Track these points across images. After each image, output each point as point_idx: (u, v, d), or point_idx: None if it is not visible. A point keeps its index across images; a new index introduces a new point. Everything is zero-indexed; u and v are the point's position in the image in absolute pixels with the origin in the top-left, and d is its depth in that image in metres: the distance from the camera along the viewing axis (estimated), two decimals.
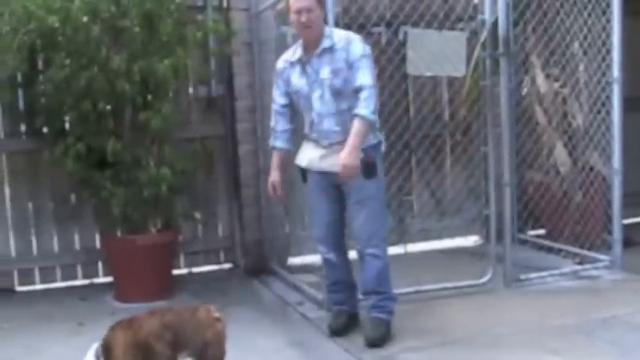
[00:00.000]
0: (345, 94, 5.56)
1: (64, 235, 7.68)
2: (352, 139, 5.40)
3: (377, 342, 5.69)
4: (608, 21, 7.21)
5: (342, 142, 5.52)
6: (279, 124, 5.90)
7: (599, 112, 7.55)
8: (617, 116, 7.23)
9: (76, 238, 7.73)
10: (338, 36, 5.65)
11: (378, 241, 5.78)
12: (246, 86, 7.79)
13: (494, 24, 6.74)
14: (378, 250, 5.78)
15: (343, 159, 5.38)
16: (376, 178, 5.67)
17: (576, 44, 7.76)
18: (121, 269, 7.20)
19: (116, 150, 6.76)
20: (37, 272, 7.66)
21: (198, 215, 7.53)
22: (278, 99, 5.90)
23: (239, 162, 7.88)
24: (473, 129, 8.12)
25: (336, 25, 6.27)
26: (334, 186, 5.75)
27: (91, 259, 7.74)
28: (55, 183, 7.55)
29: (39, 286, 7.66)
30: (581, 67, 7.88)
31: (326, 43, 5.60)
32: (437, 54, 6.46)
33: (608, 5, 7.18)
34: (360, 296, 6.08)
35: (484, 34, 6.78)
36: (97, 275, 7.79)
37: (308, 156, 5.80)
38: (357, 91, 5.48)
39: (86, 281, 7.77)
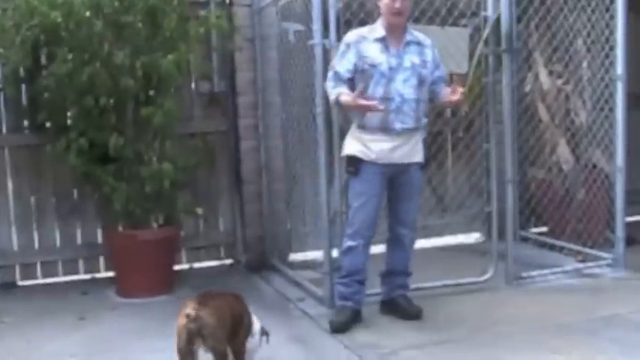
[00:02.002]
0: (425, 85, 5.97)
1: (65, 230, 7.68)
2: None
3: (420, 314, 6.16)
4: (612, 17, 7.19)
5: (413, 130, 5.89)
6: (340, 88, 5.85)
7: (602, 109, 7.55)
8: (620, 113, 7.21)
9: (78, 232, 7.73)
10: (420, 35, 6.05)
11: (415, 225, 6.27)
12: (248, 82, 7.78)
13: (497, 20, 6.73)
14: (414, 234, 6.29)
15: (462, 89, 5.94)
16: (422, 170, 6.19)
17: (580, 41, 7.75)
18: (123, 264, 7.21)
19: (118, 145, 6.76)
20: (38, 267, 7.66)
21: (200, 211, 7.52)
22: (344, 71, 5.88)
23: (241, 158, 7.88)
24: (475, 126, 8.09)
25: (337, 20, 6.29)
26: (388, 179, 5.98)
27: (92, 254, 7.74)
28: (58, 178, 7.55)
29: (41, 281, 7.66)
30: (585, 64, 7.86)
31: (412, 37, 5.96)
32: (439, 50, 6.43)
33: (612, 2, 7.16)
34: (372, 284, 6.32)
35: (487, 31, 6.76)
36: (98, 270, 7.80)
37: (375, 148, 5.86)
38: (455, 83, 6.00)
39: (88, 276, 7.77)
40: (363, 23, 6.40)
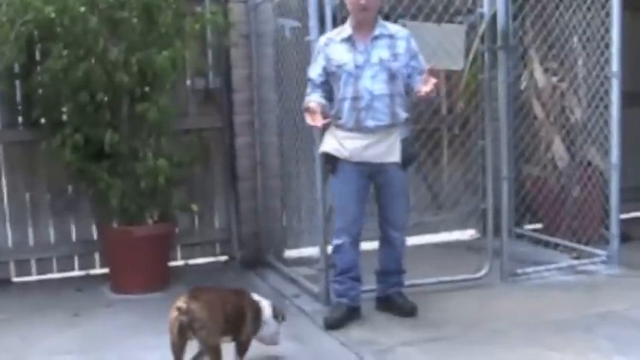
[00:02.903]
0: (397, 79, 5.83)
1: (60, 226, 7.66)
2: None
3: (415, 310, 6.15)
4: (608, 15, 7.18)
5: (387, 127, 5.79)
6: (313, 94, 5.91)
7: (597, 106, 7.54)
8: (615, 111, 7.21)
9: (73, 229, 7.71)
10: (394, 27, 5.98)
11: (405, 226, 6.21)
12: (243, 79, 7.77)
13: (493, 17, 6.72)
14: (404, 235, 6.22)
15: (435, 79, 5.65)
16: (408, 169, 6.08)
17: (575, 38, 7.74)
18: (118, 260, 7.20)
19: (113, 141, 6.74)
20: (33, 263, 7.64)
21: (195, 207, 7.49)
22: (315, 76, 5.96)
23: (236, 154, 7.88)
24: (470, 122, 8.10)
25: (334, 17, 6.28)
26: (367, 177, 5.93)
27: (87, 251, 7.73)
28: (52, 174, 7.52)
29: (35, 277, 7.65)
30: (580, 62, 7.86)
31: (383, 30, 5.87)
32: (435, 47, 6.43)
33: None
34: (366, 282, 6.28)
35: (483, 27, 6.76)
36: (93, 266, 7.78)
37: (348, 146, 5.84)
38: (427, 72, 5.69)
39: (82, 272, 7.76)
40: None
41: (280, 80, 7.57)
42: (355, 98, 5.77)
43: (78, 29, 6.71)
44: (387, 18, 6.64)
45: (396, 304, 6.20)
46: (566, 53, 7.87)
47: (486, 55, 6.81)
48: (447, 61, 6.78)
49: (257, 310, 5.12)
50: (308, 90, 5.99)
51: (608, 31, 7.22)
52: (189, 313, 4.64)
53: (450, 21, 7.07)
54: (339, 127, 5.86)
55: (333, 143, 5.92)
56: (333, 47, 5.89)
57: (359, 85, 5.77)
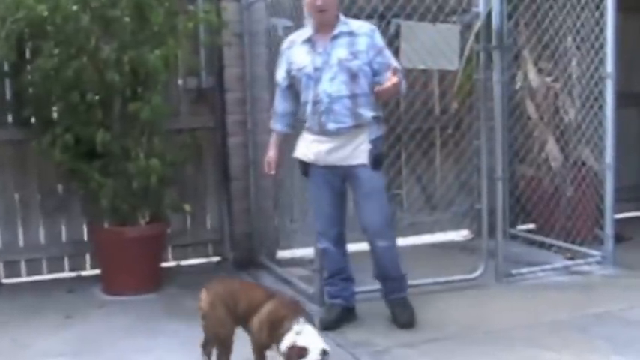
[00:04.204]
0: (360, 78, 5.63)
1: (51, 227, 7.59)
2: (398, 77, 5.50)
3: (411, 320, 5.94)
4: (602, 16, 7.19)
5: (351, 129, 5.64)
6: (280, 105, 6.00)
7: (591, 107, 7.55)
8: (609, 111, 7.22)
9: (64, 229, 7.64)
10: (357, 24, 5.78)
11: (387, 231, 5.91)
12: (236, 78, 7.73)
13: (488, 16, 6.71)
14: (389, 241, 5.91)
15: (396, 79, 5.44)
16: (380, 170, 5.80)
17: (569, 39, 7.74)
18: (109, 261, 7.14)
19: (105, 141, 6.69)
20: (23, 264, 7.57)
21: (188, 207, 7.43)
22: (281, 80, 5.96)
23: (228, 154, 7.82)
24: (465, 123, 8.08)
25: None
26: (340, 179, 5.82)
27: (78, 251, 7.66)
28: (43, 174, 7.45)
29: (25, 279, 7.57)
30: (574, 62, 7.85)
31: (343, 28, 5.69)
32: (430, 47, 6.43)
33: (602, 0, 7.14)
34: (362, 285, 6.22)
35: (477, 27, 6.75)
36: (84, 267, 7.71)
37: (313, 150, 5.78)
38: (392, 70, 5.51)
39: (73, 273, 7.69)
40: (355, 18, 6.37)
41: (273, 79, 7.50)
42: (315, 102, 5.68)
43: (69, 28, 6.64)
44: (382, 18, 6.63)
45: (392, 313, 6.05)
46: (560, 53, 7.87)
47: (481, 55, 6.80)
48: (441, 61, 6.78)
49: (272, 325, 4.76)
50: (276, 95, 6.06)
51: (602, 31, 7.23)
52: (200, 302, 4.88)
53: (445, 21, 7.07)
54: (307, 130, 5.82)
55: (301, 148, 5.90)
56: (294, 50, 5.82)
57: (318, 88, 5.65)
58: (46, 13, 6.55)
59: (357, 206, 5.86)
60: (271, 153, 6.04)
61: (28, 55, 7.08)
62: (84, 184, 7.03)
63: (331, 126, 5.64)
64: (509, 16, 7.55)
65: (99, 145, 6.69)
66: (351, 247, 6.23)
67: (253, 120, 7.70)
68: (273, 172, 6.09)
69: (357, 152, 5.68)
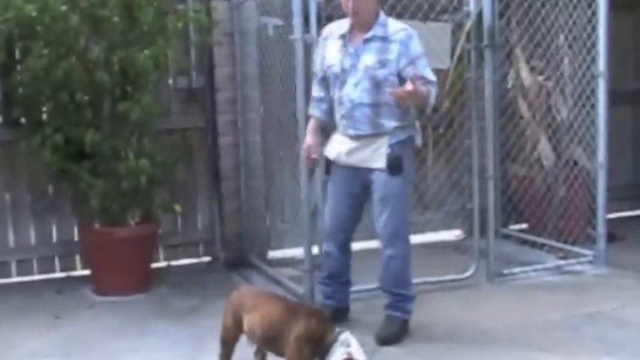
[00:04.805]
0: (384, 87, 5.43)
1: (41, 228, 7.55)
2: (421, 88, 5.30)
3: (387, 339, 5.61)
4: (594, 14, 7.17)
5: (371, 136, 5.50)
6: (316, 92, 5.86)
7: (583, 105, 7.53)
8: (602, 110, 7.21)
9: (54, 230, 7.60)
10: (394, 28, 5.51)
11: (398, 241, 5.68)
12: (227, 78, 7.68)
13: (480, 15, 6.69)
14: (398, 251, 5.68)
15: (409, 88, 5.18)
16: (401, 175, 5.55)
17: (561, 37, 7.71)
18: (99, 262, 7.10)
19: (95, 141, 6.65)
20: (13, 265, 7.52)
21: (178, 208, 7.41)
22: (317, 70, 5.86)
23: (219, 154, 7.78)
24: (456, 122, 8.05)
25: (318, 15, 6.21)
26: (360, 183, 5.68)
27: (68, 252, 7.61)
28: (33, 174, 7.40)
29: (15, 279, 7.52)
30: (566, 61, 7.83)
31: (378, 31, 5.48)
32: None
33: None
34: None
35: (469, 26, 6.73)
36: (74, 268, 7.66)
37: (336, 149, 5.71)
38: (412, 79, 5.24)
39: (64, 274, 7.64)
40: (344, 18, 6.35)
41: (264, 79, 7.53)
42: (339, 103, 5.60)
43: (59, 28, 6.62)
44: None
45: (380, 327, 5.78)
46: (552, 52, 7.84)
47: (472, 54, 6.78)
48: (433, 60, 6.72)
49: (314, 340, 4.53)
50: (314, 87, 5.89)
51: (594, 29, 7.22)
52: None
53: (436, 19, 7.04)
54: (336, 127, 5.76)
55: (328, 145, 5.82)
56: (329, 43, 5.70)
57: (342, 90, 5.55)
58: (34, 13, 6.51)
59: (373, 210, 5.70)
60: (309, 139, 5.82)
61: (17, 55, 7.04)
62: (74, 185, 6.99)
63: (350, 131, 5.57)
64: (501, 15, 7.52)
65: (88, 146, 6.66)
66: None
67: (244, 120, 7.66)
68: (314, 156, 5.81)
69: (376, 155, 5.53)
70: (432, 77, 5.46)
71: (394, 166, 5.49)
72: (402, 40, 5.45)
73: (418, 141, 5.74)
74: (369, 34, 5.48)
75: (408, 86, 5.18)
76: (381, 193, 5.57)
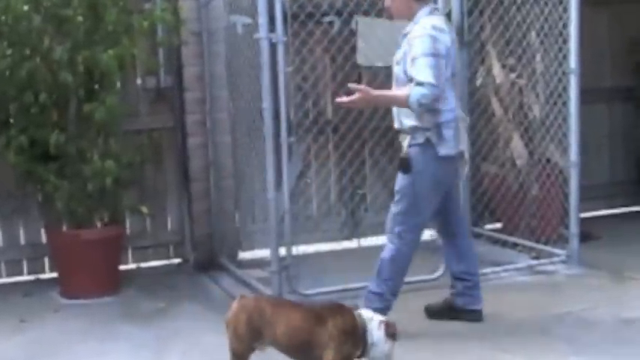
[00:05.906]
0: (400, 84, 5.50)
1: (8, 230, 7.51)
2: (386, 92, 5.57)
3: None
4: (565, 10, 7.12)
5: (401, 132, 5.61)
6: None
7: (555, 103, 7.48)
8: (574, 107, 7.16)
9: (21, 232, 7.55)
10: (419, 26, 5.44)
11: (394, 238, 5.72)
12: (195, 77, 7.63)
13: (448, 13, 6.63)
14: (389, 246, 5.73)
15: (366, 91, 5.37)
16: (409, 176, 5.53)
17: (533, 34, 7.68)
18: (67, 264, 7.06)
19: (59, 142, 6.61)
20: None
21: (145, 209, 7.36)
22: None
23: (188, 155, 7.74)
24: None
25: (284, 14, 6.15)
26: None
27: (37, 254, 7.57)
28: None
29: None
30: (538, 58, 7.81)
31: (408, 29, 5.52)
32: (388, 43, 6.32)
33: None
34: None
35: None
36: (42, 271, 7.62)
37: None
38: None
39: (32, 277, 7.60)
40: (310, 16, 6.31)
41: (233, 78, 7.48)
42: None
43: (22, 28, 6.57)
44: (339, 14, 6.54)
45: None
46: (524, 49, 7.79)
47: None
48: None
49: (349, 332, 4.55)
50: None
51: (566, 26, 7.16)
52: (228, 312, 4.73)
53: None
54: None
55: None
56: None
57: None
58: None
59: None
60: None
61: None
62: (40, 187, 6.95)
63: (396, 124, 5.71)
64: (470, 12, 7.46)
65: (53, 147, 6.62)
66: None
67: (213, 120, 7.61)
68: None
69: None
70: (425, 78, 5.25)
71: (402, 164, 5.58)
72: (412, 39, 5.42)
73: (442, 151, 5.49)
74: (404, 32, 5.56)
75: (357, 95, 5.36)
76: (395, 187, 5.68)
